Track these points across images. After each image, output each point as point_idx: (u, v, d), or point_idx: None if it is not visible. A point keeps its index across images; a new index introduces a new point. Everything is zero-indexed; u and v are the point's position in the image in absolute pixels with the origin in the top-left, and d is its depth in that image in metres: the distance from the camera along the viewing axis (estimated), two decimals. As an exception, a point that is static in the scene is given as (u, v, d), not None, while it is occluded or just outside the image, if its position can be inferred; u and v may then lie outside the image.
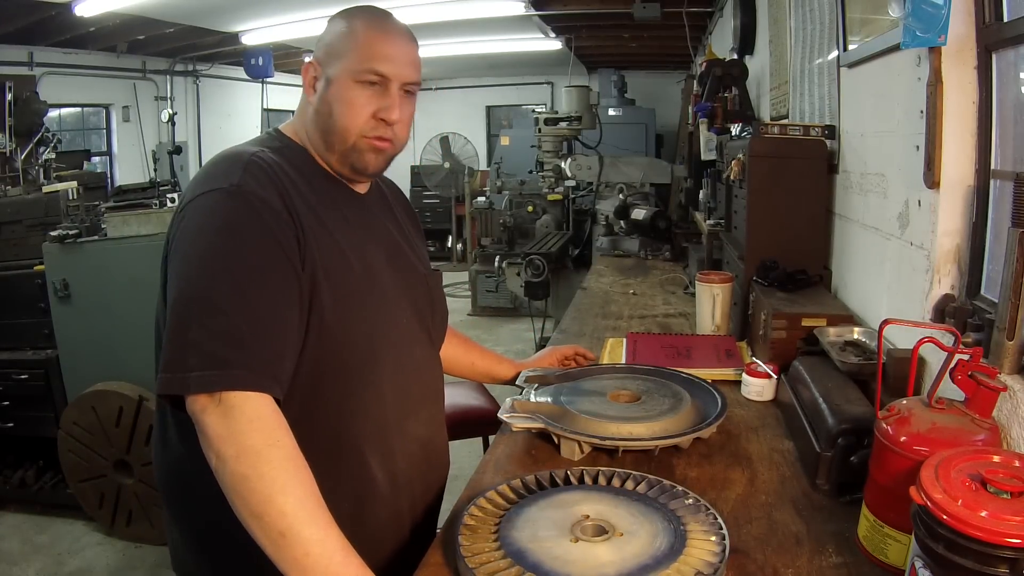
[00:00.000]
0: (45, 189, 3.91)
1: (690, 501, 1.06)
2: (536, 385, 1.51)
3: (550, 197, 4.97)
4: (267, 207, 1.01)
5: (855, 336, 1.56)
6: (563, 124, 4.44)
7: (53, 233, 3.03)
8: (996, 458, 0.81)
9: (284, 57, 7.28)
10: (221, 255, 0.97)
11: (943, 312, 1.30)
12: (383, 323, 1.14)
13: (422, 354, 1.23)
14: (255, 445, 0.89)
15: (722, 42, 4.43)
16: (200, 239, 0.99)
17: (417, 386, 1.21)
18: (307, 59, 1.15)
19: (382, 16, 1.14)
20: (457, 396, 2.47)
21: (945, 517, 0.73)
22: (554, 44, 6.81)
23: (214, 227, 0.99)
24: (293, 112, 1.21)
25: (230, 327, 0.93)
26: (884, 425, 0.96)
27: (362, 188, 1.22)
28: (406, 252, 1.25)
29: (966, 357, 0.96)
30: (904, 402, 0.99)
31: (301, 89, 1.19)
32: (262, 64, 6.83)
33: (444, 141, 8.42)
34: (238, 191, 1.00)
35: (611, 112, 7.34)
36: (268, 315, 0.97)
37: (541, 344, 4.34)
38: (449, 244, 9.14)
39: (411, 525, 1.20)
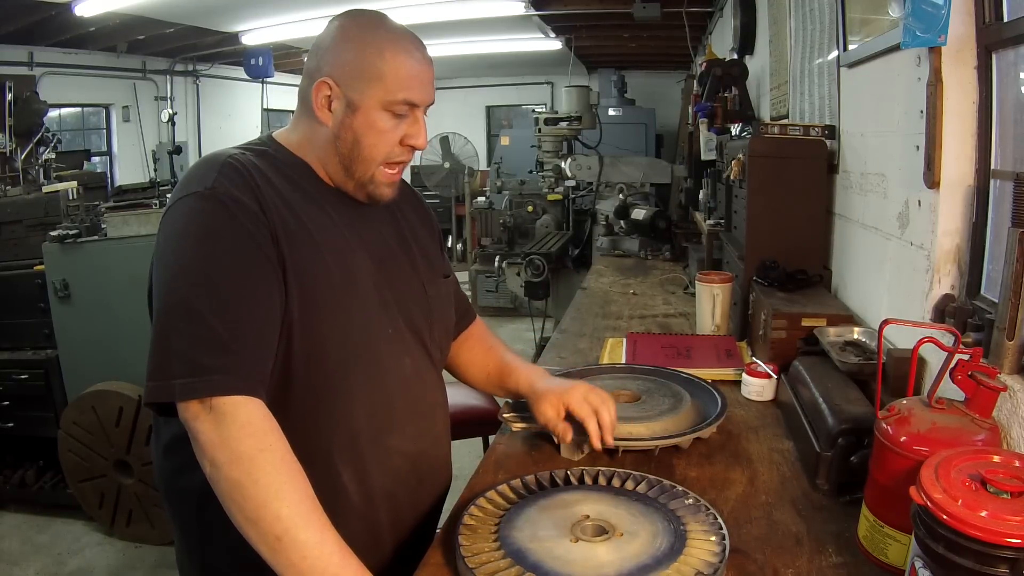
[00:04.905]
0: (45, 189, 3.91)
1: (690, 501, 1.06)
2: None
3: (550, 197, 4.97)
4: (241, 207, 1.00)
5: (855, 336, 1.56)
6: (563, 124, 4.45)
7: (53, 233, 3.04)
8: (996, 458, 0.81)
9: (284, 57, 7.28)
10: (199, 260, 0.97)
11: (943, 312, 1.30)
12: (361, 332, 1.09)
13: (413, 366, 1.17)
14: (247, 451, 0.88)
15: (722, 42, 4.43)
16: (178, 245, 0.99)
17: (403, 399, 1.15)
18: (316, 73, 1.07)
19: (403, 35, 1.10)
20: (457, 396, 2.46)
21: (945, 517, 0.73)
22: (554, 44, 6.81)
23: (190, 232, 0.99)
24: (293, 112, 1.18)
25: (211, 333, 0.93)
26: (884, 425, 0.96)
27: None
28: (401, 260, 1.20)
29: (966, 357, 0.96)
30: (904, 402, 0.99)
31: (300, 94, 1.14)
32: (262, 64, 6.83)
33: (444, 141, 8.43)
34: (212, 194, 1.00)
35: (611, 112, 7.34)
36: (249, 317, 0.96)
37: (541, 344, 4.34)
38: (449, 244, 9.15)
39: (393, 541, 1.16)
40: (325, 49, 1.09)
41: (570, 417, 1.26)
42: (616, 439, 1.26)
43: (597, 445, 1.24)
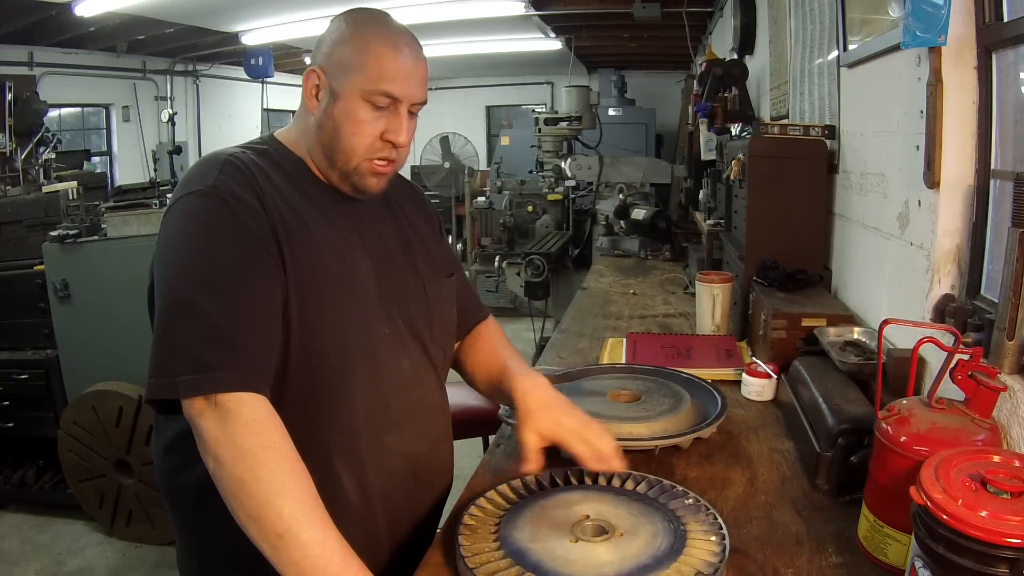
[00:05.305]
0: (45, 189, 3.92)
1: (690, 501, 1.06)
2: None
3: (550, 197, 4.96)
4: (243, 205, 1.00)
5: (855, 336, 1.56)
6: (563, 124, 4.45)
7: (53, 233, 3.04)
8: (996, 458, 0.81)
9: (284, 57, 7.27)
10: (201, 257, 0.97)
11: (943, 312, 1.30)
12: (360, 331, 1.09)
13: (411, 367, 1.16)
14: (251, 448, 0.88)
15: (722, 42, 4.43)
16: (179, 243, 1.00)
17: (400, 400, 1.14)
18: (307, 59, 1.11)
19: (395, 30, 1.10)
20: (457, 396, 2.45)
21: (945, 517, 0.73)
22: (554, 44, 6.80)
23: (192, 230, 0.99)
24: (293, 112, 1.19)
25: (214, 330, 0.93)
26: (884, 425, 0.96)
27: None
28: (401, 260, 1.19)
29: (966, 357, 0.96)
30: (904, 402, 0.99)
31: (300, 92, 1.14)
32: (262, 64, 6.82)
33: (444, 141, 8.41)
34: (213, 192, 1.00)
35: (611, 112, 7.33)
36: (251, 314, 0.96)
37: (541, 344, 4.34)
38: (449, 244, 9.13)
39: (390, 543, 1.15)
40: (321, 42, 1.11)
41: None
42: (616, 439, 1.24)
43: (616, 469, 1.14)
